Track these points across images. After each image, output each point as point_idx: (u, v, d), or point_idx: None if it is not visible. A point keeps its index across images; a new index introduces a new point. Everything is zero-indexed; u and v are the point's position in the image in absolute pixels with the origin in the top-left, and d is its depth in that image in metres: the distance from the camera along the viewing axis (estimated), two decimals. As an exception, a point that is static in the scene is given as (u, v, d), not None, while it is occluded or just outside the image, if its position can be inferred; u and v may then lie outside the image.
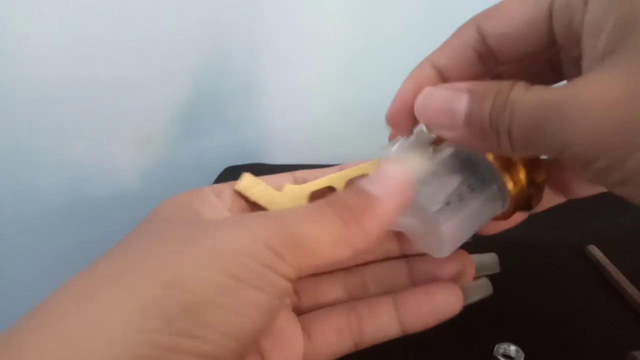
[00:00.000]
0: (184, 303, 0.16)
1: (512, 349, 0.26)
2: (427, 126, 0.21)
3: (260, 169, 0.25)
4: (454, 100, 0.19)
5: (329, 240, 0.19)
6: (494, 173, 0.22)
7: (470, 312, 0.24)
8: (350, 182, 0.24)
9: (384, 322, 0.23)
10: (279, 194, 0.24)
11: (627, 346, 0.26)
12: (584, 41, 0.18)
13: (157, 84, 0.44)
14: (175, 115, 0.47)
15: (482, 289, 0.25)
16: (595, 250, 0.33)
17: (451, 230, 0.22)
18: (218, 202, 0.22)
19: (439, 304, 0.23)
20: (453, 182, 0.22)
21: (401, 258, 0.26)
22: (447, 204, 0.22)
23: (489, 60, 0.21)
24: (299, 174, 0.25)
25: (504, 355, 0.26)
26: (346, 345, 0.23)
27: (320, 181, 0.24)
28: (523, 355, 0.26)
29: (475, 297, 0.25)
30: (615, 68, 0.16)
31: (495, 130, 0.18)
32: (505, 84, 0.18)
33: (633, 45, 0.15)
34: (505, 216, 0.24)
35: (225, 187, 0.23)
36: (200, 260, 0.17)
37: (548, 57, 0.21)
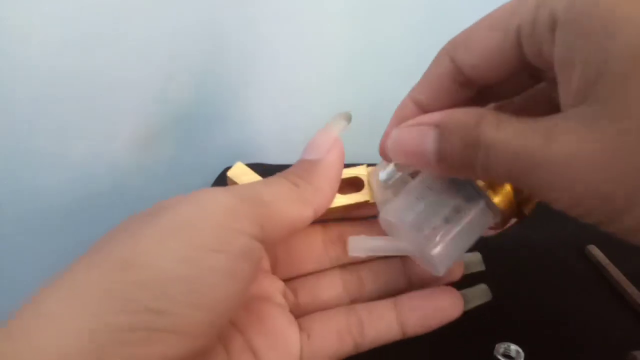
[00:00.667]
0: (141, 280, 0.16)
1: (512, 348, 0.26)
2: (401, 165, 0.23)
3: (260, 169, 0.25)
4: (422, 140, 0.19)
5: (286, 199, 0.21)
6: (479, 190, 0.22)
7: (470, 312, 0.24)
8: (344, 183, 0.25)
9: (385, 324, 0.23)
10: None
11: (627, 346, 0.26)
12: (557, 72, 0.17)
13: (157, 84, 0.44)
14: (175, 115, 0.47)
15: (482, 295, 0.25)
16: (595, 250, 0.33)
17: (442, 252, 0.22)
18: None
19: (439, 309, 0.24)
20: (439, 206, 0.22)
21: (396, 257, 0.26)
22: (434, 228, 0.22)
23: (470, 86, 0.21)
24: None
25: (504, 355, 0.26)
26: (347, 347, 0.23)
27: None
28: (523, 355, 0.26)
29: (475, 302, 0.25)
30: (586, 121, 0.15)
31: (470, 166, 0.18)
32: (469, 120, 0.18)
33: (602, 97, 0.15)
34: (498, 226, 0.24)
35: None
36: (156, 236, 0.17)
37: (528, 73, 0.21)
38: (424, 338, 0.24)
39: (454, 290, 0.24)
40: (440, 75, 0.21)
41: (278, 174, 0.22)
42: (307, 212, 0.21)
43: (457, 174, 0.19)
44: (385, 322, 0.23)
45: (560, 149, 0.15)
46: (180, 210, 0.18)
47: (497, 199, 0.22)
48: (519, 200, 0.23)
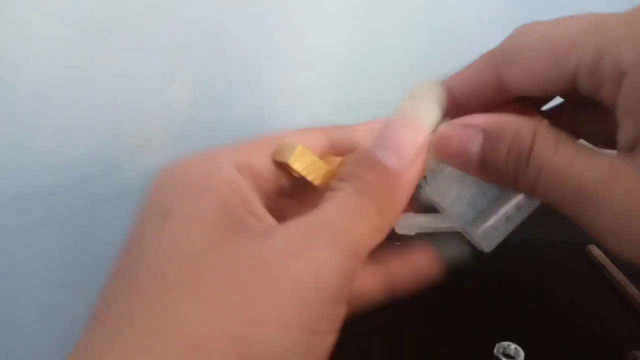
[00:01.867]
0: None
1: (512, 348, 0.26)
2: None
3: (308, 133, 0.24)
4: (468, 142, 0.18)
5: (372, 237, 0.18)
6: None
7: (470, 312, 0.24)
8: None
9: (367, 278, 0.22)
10: (330, 169, 0.21)
11: (627, 346, 0.26)
12: (619, 117, 0.17)
13: (157, 84, 0.44)
14: (175, 115, 0.47)
15: (456, 250, 0.24)
16: (595, 250, 0.34)
17: (489, 238, 0.22)
18: (245, 183, 0.19)
19: (419, 263, 0.22)
20: (501, 200, 0.21)
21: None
22: (495, 228, 0.21)
23: (509, 95, 0.21)
24: (334, 133, 0.22)
25: (504, 354, 0.26)
26: None
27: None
28: (523, 354, 0.26)
29: (450, 253, 0.24)
30: None
31: (512, 178, 0.18)
32: (522, 132, 0.17)
33: None
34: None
35: (252, 160, 0.20)
36: (274, 316, 0.15)
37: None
38: (425, 336, 0.24)
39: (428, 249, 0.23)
40: (482, 81, 0.21)
41: (360, 191, 0.18)
42: (380, 240, 0.18)
43: (496, 181, 0.19)
44: (369, 275, 0.22)
45: (624, 195, 0.15)
46: (294, 272, 0.15)
47: None
48: None
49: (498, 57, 0.20)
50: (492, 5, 0.52)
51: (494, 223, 0.21)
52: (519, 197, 0.21)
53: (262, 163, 0.20)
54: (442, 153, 0.19)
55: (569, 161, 0.17)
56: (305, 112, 0.51)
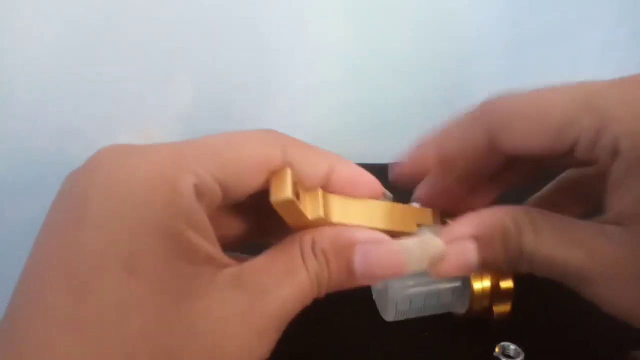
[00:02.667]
0: None
1: (512, 348, 0.26)
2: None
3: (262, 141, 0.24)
4: (465, 255, 0.19)
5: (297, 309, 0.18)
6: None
7: (470, 312, 0.24)
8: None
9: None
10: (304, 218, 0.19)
11: (627, 346, 0.26)
12: (609, 191, 0.18)
13: (157, 84, 0.44)
14: (175, 115, 0.47)
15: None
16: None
17: (398, 298, 0.23)
18: (201, 211, 0.17)
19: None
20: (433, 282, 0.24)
21: None
22: (409, 300, 0.23)
23: (504, 156, 0.21)
24: (290, 152, 0.20)
25: (504, 355, 0.26)
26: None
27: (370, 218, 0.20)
28: (523, 355, 0.26)
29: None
30: (627, 244, 0.17)
31: (514, 268, 0.19)
32: (511, 231, 0.18)
33: None
34: (459, 319, 0.26)
35: (209, 180, 0.17)
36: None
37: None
38: (424, 337, 0.24)
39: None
40: (474, 144, 0.21)
41: (313, 256, 0.18)
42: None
43: (499, 271, 0.22)
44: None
45: (604, 269, 0.17)
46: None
47: (476, 286, 0.24)
48: (490, 305, 0.25)
49: (492, 121, 0.20)
50: (492, 7, 0.52)
51: (413, 296, 0.23)
52: (456, 284, 0.24)
53: (218, 182, 0.18)
54: (444, 273, 0.19)
55: (551, 244, 0.18)
56: (306, 113, 0.51)
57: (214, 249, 0.17)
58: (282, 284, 0.17)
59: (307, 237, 0.18)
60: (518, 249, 0.18)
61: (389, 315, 0.24)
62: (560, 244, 0.18)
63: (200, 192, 0.17)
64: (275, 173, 0.18)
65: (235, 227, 0.21)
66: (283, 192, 0.18)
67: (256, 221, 0.21)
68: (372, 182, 0.20)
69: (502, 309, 0.25)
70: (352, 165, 0.20)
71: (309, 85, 0.50)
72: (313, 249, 0.18)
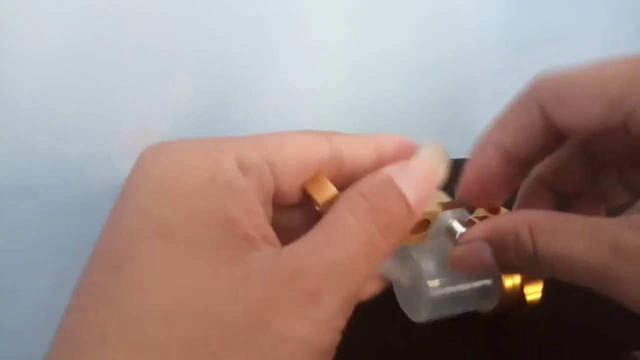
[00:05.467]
0: None
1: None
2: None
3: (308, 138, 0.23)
4: (479, 255, 0.20)
5: (374, 271, 0.17)
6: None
7: (469, 313, 0.24)
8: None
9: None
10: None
11: (627, 346, 0.26)
12: None
13: (157, 84, 0.44)
14: (175, 116, 0.47)
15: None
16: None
17: (435, 297, 0.23)
18: (249, 189, 0.17)
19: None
20: (461, 281, 0.23)
21: None
22: (442, 299, 0.23)
23: (562, 135, 0.21)
24: (337, 142, 0.20)
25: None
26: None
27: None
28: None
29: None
30: None
31: (528, 270, 0.19)
32: (520, 234, 0.18)
33: None
34: (490, 314, 0.26)
35: (255, 158, 0.18)
36: None
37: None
38: (424, 338, 0.24)
39: None
40: (531, 124, 0.20)
41: (358, 202, 0.17)
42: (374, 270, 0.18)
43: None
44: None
45: (630, 264, 0.16)
46: (300, 333, 0.15)
47: (506, 283, 0.24)
48: (517, 301, 0.25)
49: (545, 98, 0.20)
50: (492, 7, 0.52)
51: (445, 294, 0.23)
52: (487, 281, 0.23)
53: (257, 168, 0.18)
54: (462, 269, 0.21)
55: (572, 245, 0.17)
56: (306, 113, 0.51)
57: (256, 221, 0.16)
58: (331, 244, 0.16)
59: (342, 196, 0.17)
60: (533, 254, 0.18)
61: (421, 316, 0.23)
62: (579, 242, 0.17)
63: (244, 167, 0.17)
64: (310, 182, 0.19)
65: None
66: (327, 190, 0.18)
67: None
68: (412, 145, 0.20)
69: (533, 301, 0.25)
70: (391, 137, 0.20)
71: (310, 85, 0.50)
72: (353, 198, 0.17)
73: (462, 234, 0.21)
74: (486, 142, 0.22)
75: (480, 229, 0.20)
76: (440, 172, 0.19)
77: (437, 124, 0.53)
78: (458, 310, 0.24)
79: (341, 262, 0.16)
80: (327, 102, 0.50)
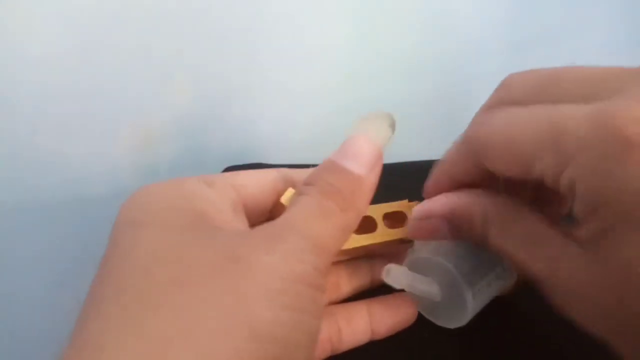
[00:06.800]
0: (273, 356, 0.16)
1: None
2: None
3: (260, 169, 0.25)
4: (435, 230, 0.22)
5: (337, 233, 0.19)
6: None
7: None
8: (387, 216, 0.25)
9: (360, 331, 0.24)
10: None
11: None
12: (577, 213, 0.18)
13: (157, 84, 0.44)
14: (175, 116, 0.47)
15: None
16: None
17: (474, 306, 0.23)
18: (214, 194, 0.20)
19: (404, 318, 0.24)
20: (485, 268, 0.23)
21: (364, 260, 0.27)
22: (479, 292, 0.23)
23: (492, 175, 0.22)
24: (284, 170, 0.24)
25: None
26: (325, 354, 0.23)
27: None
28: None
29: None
30: (589, 263, 0.17)
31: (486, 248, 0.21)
32: (477, 223, 0.20)
33: (614, 243, 0.16)
34: (510, 292, 0.26)
35: (216, 178, 0.21)
36: (263, 298, 0.16)
37: None
38: (423, 339, 0.24)
39: (409, 299, 0.25)
40: (465, 171, 0.22)
41: (322, 193, 0.19)
42: (346, 239, 0.20)
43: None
44: (361, 329, 0.24)
45: (562, 281, 0.18)
46: (273, 262, 0.17)
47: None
48: None
49: (474, 149, 0.21)
50: (492, 7, 0.52)
51: (481, 289, 0.23)
52: (498, 268, 0.23)
53: (220, 183, 0.21)
54: (422, 236, 0.23)
55: (515, 248, 0.19)
56: (306, 112, 0.51)
57: (226, 217, 0.19)
58: (322, 220, 0.19)
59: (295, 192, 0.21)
60: (484, 238, 0.20)
61: (462, 320, 0.23)
62: (523, 246, 0.19)
63: (207, 183, 0.20)
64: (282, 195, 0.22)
65: None
66: (288, 192, 0.22)
67: None
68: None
69: None
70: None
71: (309, 85, 0.50)
72: (302, 188, 0.20)
73: (421, 205, 0.22)
74: (438, 173, 0.24)
75: (439, 207, 0.22)
76: (381, 133, 0.21)
77: (436, 124, 0.54)
78: (488, 299, 0.24)
79: (299, 218, 0.18)
80: (327, 102, 0.50)
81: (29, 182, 0.43)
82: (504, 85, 0.23)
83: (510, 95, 0.22)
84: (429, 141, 0.40)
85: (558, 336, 0.28)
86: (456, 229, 0.21)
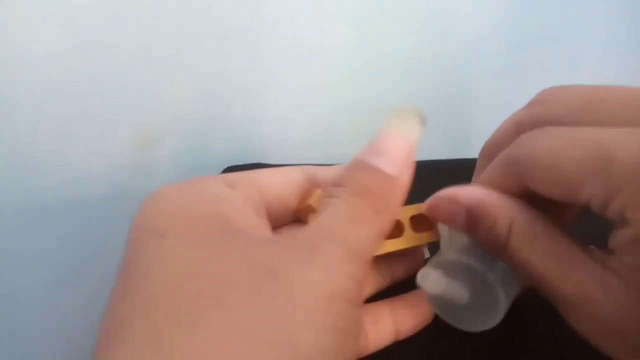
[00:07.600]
0: None
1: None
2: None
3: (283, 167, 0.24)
4: (453, 215, 0.21)
5: (373, 239, 0.18)
6: None
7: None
8: (413, 219, 0.23)
9: (385, 334, 0.23)
10: None
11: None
12: (615, 242, 0.18)
13: (157, 84, 0.44)
14: (175, 115, 0.47)
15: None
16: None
17: (506, 304, 0.22)
18: (237, 197, 0.19)
19: (424, 314, 0.24)
20: (509, 272, 0.22)
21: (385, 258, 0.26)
22: (504, 277, 0.22)
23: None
24: (309, 169, 0.23)
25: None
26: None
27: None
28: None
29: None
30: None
31: (494, 250, 0.20)
32: (501, 222, 0.19)
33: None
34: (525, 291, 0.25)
35: (239, 178, 0.20)
36: (304, 319, 0.15)
37: None
38: (422, 339, 0.24)
39: (425, 298, 0.24)
40: (507, 188, 0.21)
41: (357, 194, 0.18)
42: (380, 243, 0.19)
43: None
44: (387, 330, 0.23)
45: (591, 307, 0.17)
46: (310, 279, 0.16)
47: None
48: None
49: (518, 170, 0.20)
50: (492, 7, 0.52)
51: (507, 290, 0.22)
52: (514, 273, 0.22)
53: (243, 182, 0.20)
54: (433, 215, 0.22)
55: (545, 266, 0.18)
56: (306, 112, 0.51)
57: (250, 222, 0.18)
58: (322, 219, 0.18)
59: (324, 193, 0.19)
60: (502, 246, 0.19)
61: (494, 320, 0.23)
62: (552, 264, 0.18)
63: (230, 184, 0.19)
64: (309, 196, 0.21)
65: None
66: (316, 192, 0.21)
67: None
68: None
69: None
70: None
71: (309, 85, 0.50)
72: (331, 191, 0.19)
73: (449, 189, 0.21)
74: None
75: (466, 196, 0.20)
76: (412, 130, 0.20)
77: (436, 124, 0.54)
78: (511, 303, 0.23)
79: (333, 224, 0.17)
80: (327, 102, 0.50)
81: (29, 182, 0.43)
82: (540, 101, 0.22)
83: (551, 112, 0.21)
84: (428, 141, 0.40)
85: (558, 336, 0.28)
86: (474, 224, 0.20)
